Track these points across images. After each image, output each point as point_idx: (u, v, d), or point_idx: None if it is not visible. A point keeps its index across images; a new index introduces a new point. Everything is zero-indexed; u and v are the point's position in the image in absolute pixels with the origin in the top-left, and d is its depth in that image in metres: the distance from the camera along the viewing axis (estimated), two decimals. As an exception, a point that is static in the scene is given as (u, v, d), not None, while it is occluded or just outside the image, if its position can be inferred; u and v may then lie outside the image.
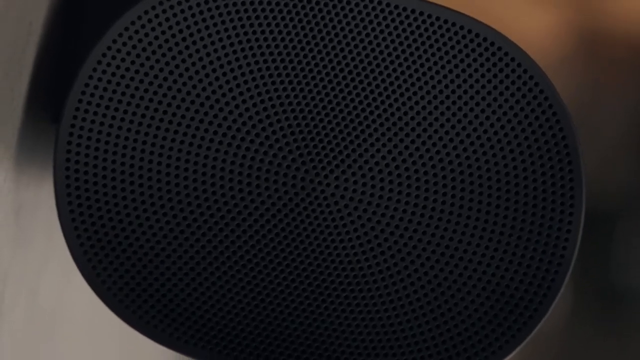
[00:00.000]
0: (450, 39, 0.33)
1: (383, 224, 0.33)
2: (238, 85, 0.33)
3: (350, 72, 0.33)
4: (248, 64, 0.33)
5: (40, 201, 0.38)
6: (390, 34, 0.33)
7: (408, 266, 0.33)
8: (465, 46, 0.33)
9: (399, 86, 0.33)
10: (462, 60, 0.33)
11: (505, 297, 0.34)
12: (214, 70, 0.33)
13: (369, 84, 0.33)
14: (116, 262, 0.33)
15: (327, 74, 0.33)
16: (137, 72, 0.33)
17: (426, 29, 0.33)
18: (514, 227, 0.33)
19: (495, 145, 0.33)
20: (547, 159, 0.33)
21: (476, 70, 0.33)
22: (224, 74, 0.33)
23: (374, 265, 0.34)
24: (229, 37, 0.33)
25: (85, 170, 0.33)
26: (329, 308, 0.34)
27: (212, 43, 0.33)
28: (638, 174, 1.02)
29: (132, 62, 0.33)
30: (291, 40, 0.33)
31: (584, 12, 0.98)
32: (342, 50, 0.33)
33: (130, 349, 0.59)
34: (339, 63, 0.33)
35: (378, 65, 0.33)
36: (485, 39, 0.33)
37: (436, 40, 0.33)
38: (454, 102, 0.33)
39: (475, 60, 0.33)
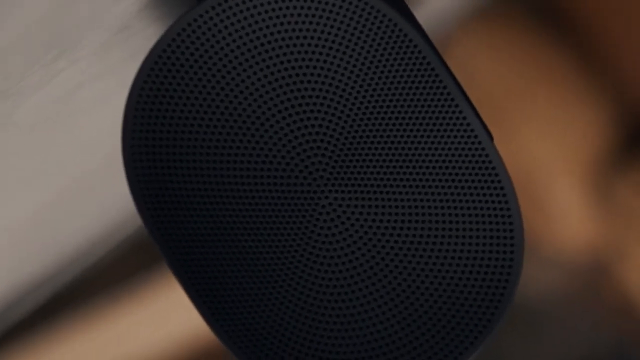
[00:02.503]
0: (450, 124, 0.35)
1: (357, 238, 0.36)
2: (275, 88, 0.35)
3: (377, 116, 0.35)
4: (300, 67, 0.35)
5: (139, 39, 0.40)
6: (412, 100, 0.35)
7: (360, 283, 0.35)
8: (459, 131, 0.35)
9: (395, 140, 0.35)
10: (451, 149, 0.35)
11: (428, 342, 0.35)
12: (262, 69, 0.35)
13: (381, 130, 0.35)
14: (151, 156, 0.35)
15: (356, 103, 0.35)
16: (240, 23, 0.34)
17: (440, 111, 0.35)
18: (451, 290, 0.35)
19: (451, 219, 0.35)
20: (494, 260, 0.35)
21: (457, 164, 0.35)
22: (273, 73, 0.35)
23: (343, 271, 0.35)
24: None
25: (177, 58, 0.34)
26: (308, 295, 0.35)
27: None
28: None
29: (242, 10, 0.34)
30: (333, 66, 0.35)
31: (615, 260, 0.98)
32: (374, 90, 0.35)
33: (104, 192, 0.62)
34: (372, 99, 0.35)
35: (391, 120, 0.35)
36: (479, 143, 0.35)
37: (440, 122, 0.35)
38: (432, 178, 0.35)
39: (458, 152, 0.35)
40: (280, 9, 0.35)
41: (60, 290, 0.89)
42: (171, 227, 0.35)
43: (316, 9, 0.35)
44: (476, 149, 0.35)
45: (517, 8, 0.96)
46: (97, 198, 0.67)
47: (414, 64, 0.35)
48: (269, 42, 0.35)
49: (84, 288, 0.95)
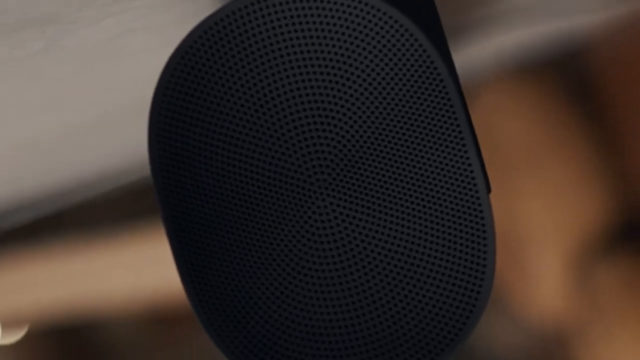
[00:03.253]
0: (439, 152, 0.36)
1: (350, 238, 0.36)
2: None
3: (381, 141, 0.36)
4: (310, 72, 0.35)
5: (194, 5, 0.40)
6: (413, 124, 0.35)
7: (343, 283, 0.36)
8: (449, 162, 0.36)
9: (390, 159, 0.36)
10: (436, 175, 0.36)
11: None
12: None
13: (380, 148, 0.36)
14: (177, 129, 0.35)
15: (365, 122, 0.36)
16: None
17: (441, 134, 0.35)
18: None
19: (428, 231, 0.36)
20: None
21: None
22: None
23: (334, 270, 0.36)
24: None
25: (215, 43, 0.35)
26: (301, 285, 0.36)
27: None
28: None
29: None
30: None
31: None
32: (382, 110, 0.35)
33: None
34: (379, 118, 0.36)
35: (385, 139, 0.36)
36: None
37: (433, 149, 0.35)
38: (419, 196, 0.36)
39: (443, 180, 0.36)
40: (312, 15, 0.35)
41: (60, 210, 0.89)
42: (176, 190, 0.36)
43: (350, 22, 0.35)
44: (471, 197, 0.36)
45: (554, 75, 0.96)
46: (116, 138, 0.68)
47: (436, 99, 0.35)
48: (300, 45, 0.35)
49: (82, 215, 0.95)
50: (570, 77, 0.95)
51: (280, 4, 0.35)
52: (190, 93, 0.36)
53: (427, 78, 0.35)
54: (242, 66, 0.35)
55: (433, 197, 0.36)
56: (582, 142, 0.94)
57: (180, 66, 0.35)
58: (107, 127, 0.63)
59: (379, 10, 0.35)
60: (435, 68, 0.35)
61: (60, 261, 0.92)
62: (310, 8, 0.35)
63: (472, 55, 0.74)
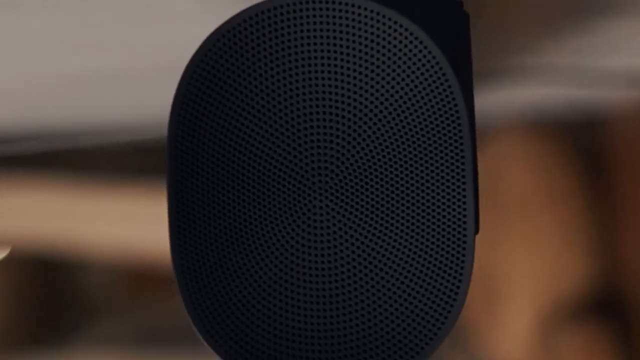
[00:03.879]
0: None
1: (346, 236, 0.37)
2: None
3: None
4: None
5: None
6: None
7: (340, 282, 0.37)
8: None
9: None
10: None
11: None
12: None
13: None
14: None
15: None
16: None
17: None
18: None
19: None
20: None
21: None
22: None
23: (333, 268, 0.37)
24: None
25: (246, 35, 0.36)
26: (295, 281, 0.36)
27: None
28: None
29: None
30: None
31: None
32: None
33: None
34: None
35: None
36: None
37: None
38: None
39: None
40: (346, 25, 0.36)
41: (68, 149, 0.89)
42: (186, 158, 0.36)
43: (377, 37, 0.36)
44: (458, 233, 0.36)
45: (567, 136, 0.96)
46: (137, 94, 0.68)
47: (448, 132, 0.36)
48: (331, 51, 0.36)
49: (89, 159, 0.95)
50: (582, 143, 0.96)
51: (321, 8, 0.35)
52: (222, 71, 0.36)
53: (445, 110, 0.36)
54: (271, 60, 0.36)
55: (423, 223, 0.36)
56: (580, 207, 0.94)
57: (216, 45, 0.35)
58: (130, 82, 0.63)
59: (411, 33, 0.35)
60: (455, 104, 0.36)
61: (56, 195, 0.92)
62: (353, 20, 0.35)
63: (492, 100, 0.74)
